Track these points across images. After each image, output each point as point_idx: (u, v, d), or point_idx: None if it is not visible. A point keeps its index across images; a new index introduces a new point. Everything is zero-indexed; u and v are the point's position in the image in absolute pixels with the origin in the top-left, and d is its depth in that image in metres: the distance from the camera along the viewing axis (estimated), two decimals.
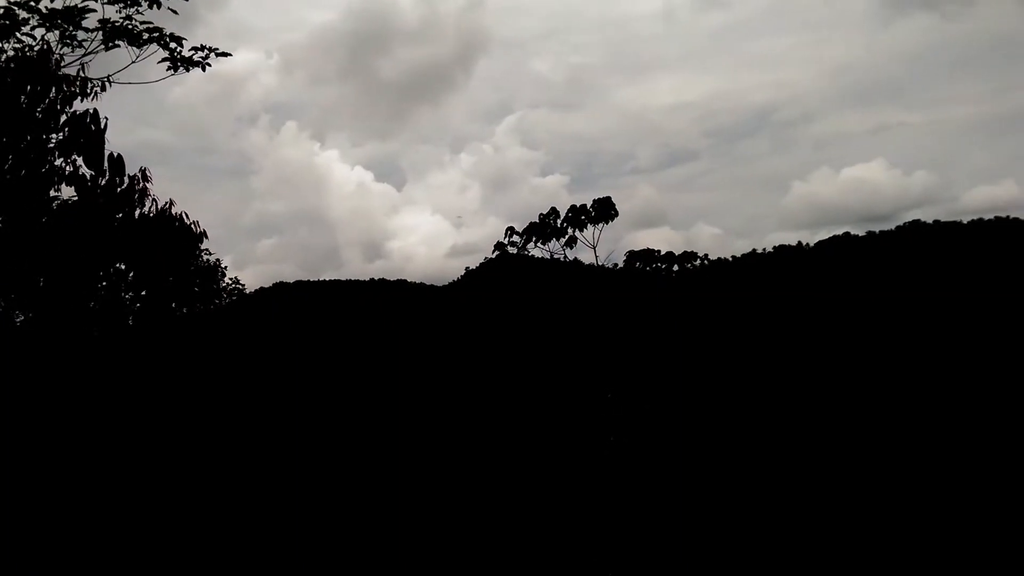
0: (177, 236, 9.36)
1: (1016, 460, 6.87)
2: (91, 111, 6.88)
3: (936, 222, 59.76)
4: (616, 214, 17.46)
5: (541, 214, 17.50)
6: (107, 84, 7.09)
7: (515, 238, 17.83)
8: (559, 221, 17.73)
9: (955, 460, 7.17)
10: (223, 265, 28.18)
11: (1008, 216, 61.45)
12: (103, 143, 7.04)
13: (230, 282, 29.80)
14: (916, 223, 61.02)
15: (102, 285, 9.67)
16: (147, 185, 8.28)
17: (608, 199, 17.29)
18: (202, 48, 7.25)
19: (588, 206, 17.27)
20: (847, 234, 61.64)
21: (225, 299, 29.79)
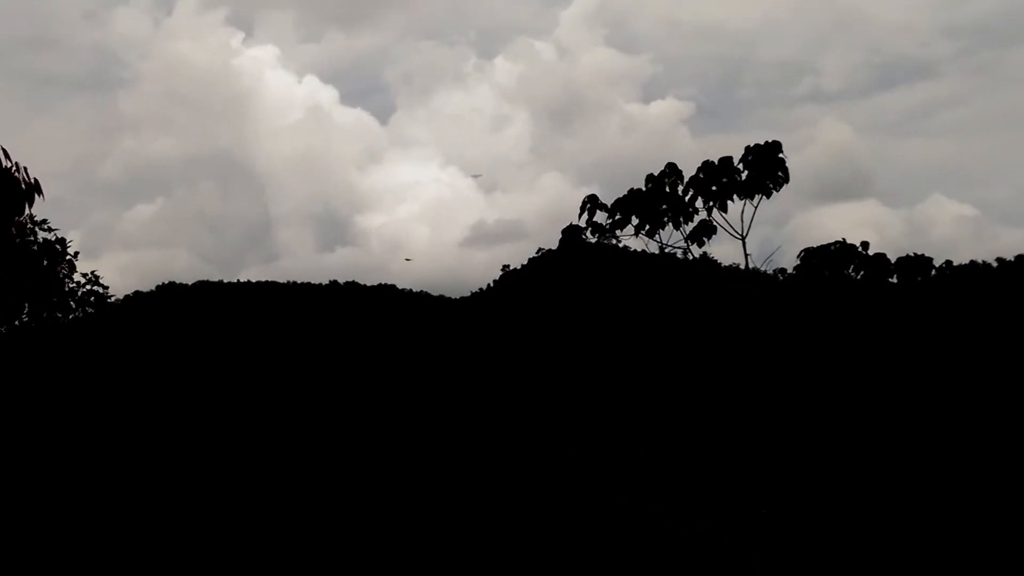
0: None
1: None
2: None
3: None
4: (785, 177, 17.30)
5: (651, 176, 17.34)
6: None
7: (600, 217, 17.75)
8: (680, 188, 17.61)
9: None
10: (70, 249, 28.52)
11: None
12: None
13: (82, 279, 30.16)
14: None
15: None
16: None
17: (774, 147, 17.11)
18: None
19: (736, 161, 17.09)
20: None
21: (74, 311, 30.19)
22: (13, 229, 16.68)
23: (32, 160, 9.56)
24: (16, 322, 26.34)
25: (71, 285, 28.96)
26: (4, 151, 9.51)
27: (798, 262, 20.34)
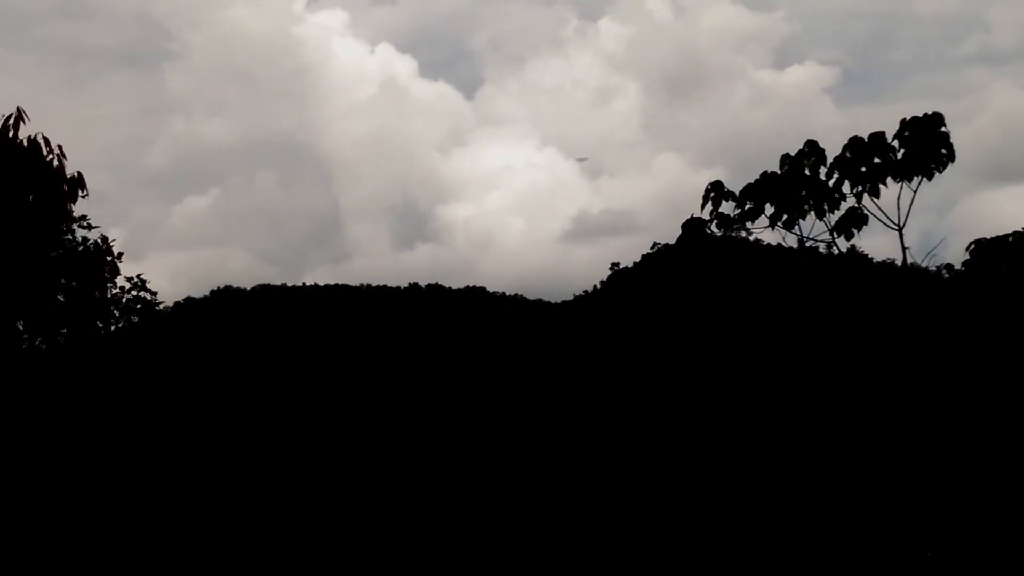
0: (35, 182, 9.81)
1: None
2: None
3: None
4: (949, 155, 17.09)
5: (787, 156, 17.22)
6: None
7: (725, 207, 17.69)
8: (822, 170, 17.50)
9: None
10: (113, 250, 29.13)
11: None
12: None
13: (127, 284, 30.86)
14: None
15: None
16: None
17: (936, 119, 16.87)
18: None
19: (890, 137, 16.89)
20: None
21: (118, 319, 30.92)
22: (63, 226, 17.09)
23: (67, 147, 9.85)
24: (57, 336, 26.97)
25: (114, 291, 29.43)
26: (45, 139, 9.82)
27: (967, 256, 19.96)
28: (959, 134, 16.98)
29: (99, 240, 27.00)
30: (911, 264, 18.31)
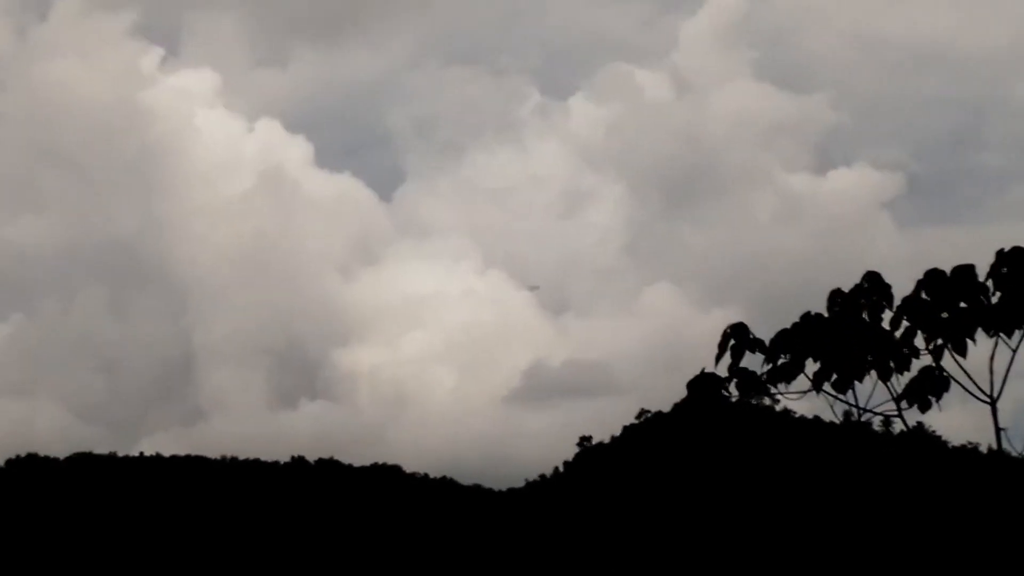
0: None
1: None
2: None
3: None
4: None
5: (838, 293, 17.36)
6: None
7: (749, 360, 17.79)
8: (887, 315, 17.66)
9: None
10: None
11: None
12: None
13: None
14: None
15: None
16: None
17: None
18: None
19: (982, 275, 17.06)
20: None
21: None
22: None
23: None
24: None
25: None
26: None
27: None
28: None
29: None
30: (1003, 451, 18.32)
